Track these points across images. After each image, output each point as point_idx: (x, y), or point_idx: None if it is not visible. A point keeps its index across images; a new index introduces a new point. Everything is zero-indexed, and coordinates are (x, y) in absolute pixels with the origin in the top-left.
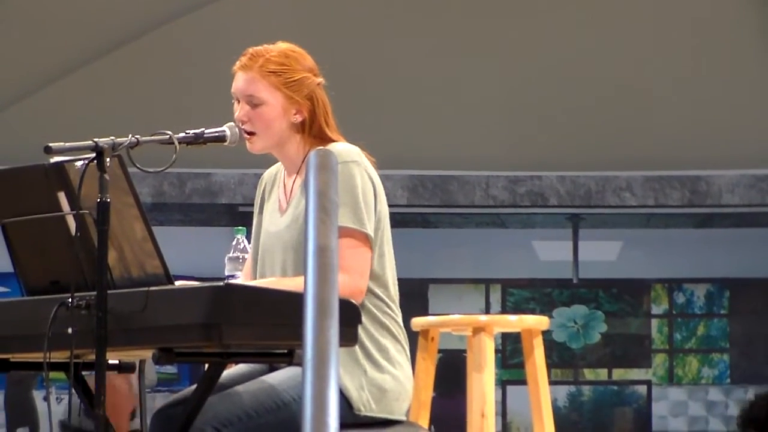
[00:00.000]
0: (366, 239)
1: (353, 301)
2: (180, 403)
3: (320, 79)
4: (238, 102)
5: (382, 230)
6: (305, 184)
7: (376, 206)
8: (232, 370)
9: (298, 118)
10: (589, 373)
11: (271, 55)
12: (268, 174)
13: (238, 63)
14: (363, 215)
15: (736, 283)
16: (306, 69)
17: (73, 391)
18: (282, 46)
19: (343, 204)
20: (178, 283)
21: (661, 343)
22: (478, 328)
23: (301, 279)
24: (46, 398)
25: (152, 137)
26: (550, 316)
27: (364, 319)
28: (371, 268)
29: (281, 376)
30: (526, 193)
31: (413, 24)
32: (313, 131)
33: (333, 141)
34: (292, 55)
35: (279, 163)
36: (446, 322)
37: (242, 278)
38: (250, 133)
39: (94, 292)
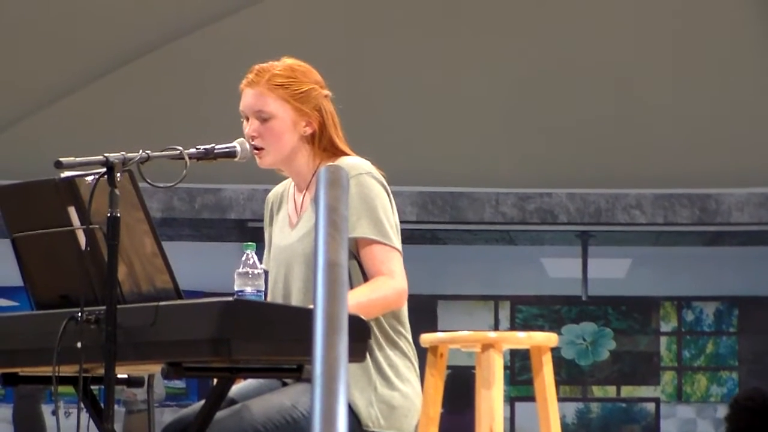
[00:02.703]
0: (393, 249)
1: (362, 317)
2: (188, 418)
3: (327, 92)
4: (247, 119)
5: None
6: (315, 200)
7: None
8: (241, 385)
9: (308, 131)
10: (597, 390)
11: (277, 69)
12: (273, 193)
13: (245, 80)
14: (386, 229)
15: (745, 301)
16: (313, 81)
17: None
18: (288, 61)
19: (364, 216)
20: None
21: (669, 360)
22: (487, 345)
23: (369, 286)
24: (54, 412)
25: (163, 152)
26: (559, 333)
27: (376, 334)
28: None
29: (291, 392)
30: (536, 210)
31: (423, 41)
32: (323, 143)
33: (344, 153)
34: (298, 69)
35: (284, 182)
36: (455, 338)
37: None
38: (260, 148)
39: (104, 307)
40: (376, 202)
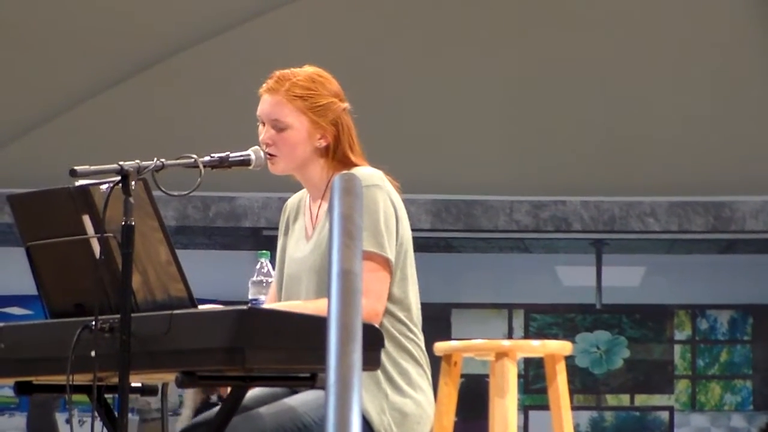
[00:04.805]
0: (386, 263)
1: (376, 325)
2: (203, 425)
3: (346, 104)
4: (263, 125)
5: (404, 254)
6: (329, 208)
7: (398, 230)
8: (254, 392)
9: (323, 143)
10: (611, 399)
11: (297, 78)
12: (291, 202)
13: (264, 85)
14: (383, 239)
15: (760, 309)
16: (332, 94)
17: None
18: (309, 69)
19: (364, 227)
20: (202, 308)
21: (683, 369)
22: (501, 353)
23: (324, 302)
24: (68, 421)
25: (177, 161)
26: (573, 342)
27: (386, 342)
28: (393, 291)
29: (303, 399)
30: (550, 218)
31: (437, 50)
32: (337, 156)
33: (356, 165)
34: (318, 80)
35: (302, 191)
36: (469, 346)
37: (266, 304)
38: (273, 155)
39: (118, 315)
40: (377, 215)
